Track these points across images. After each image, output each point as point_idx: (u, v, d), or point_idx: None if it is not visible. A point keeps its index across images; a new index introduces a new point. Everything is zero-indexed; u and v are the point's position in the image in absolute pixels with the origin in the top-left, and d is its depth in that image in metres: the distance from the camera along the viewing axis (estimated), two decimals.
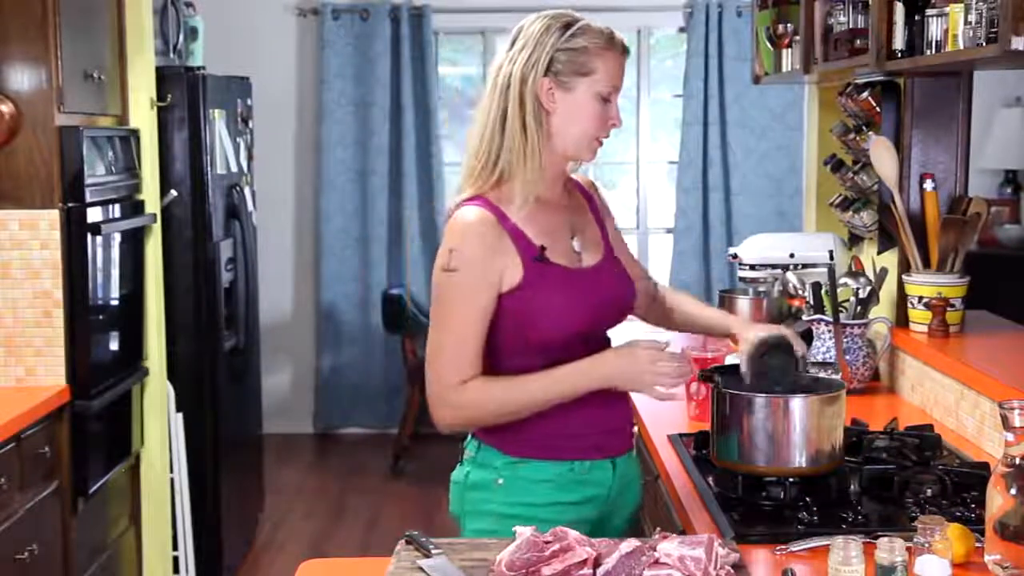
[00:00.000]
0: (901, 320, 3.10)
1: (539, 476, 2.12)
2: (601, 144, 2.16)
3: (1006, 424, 1.76)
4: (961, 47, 2.40)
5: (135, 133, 3.74)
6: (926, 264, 3.03)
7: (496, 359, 2.11)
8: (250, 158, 4.81)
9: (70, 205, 3.28)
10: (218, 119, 4.32)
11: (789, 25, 3.57)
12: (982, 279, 3.14)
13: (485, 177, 2.10)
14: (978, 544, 1.83)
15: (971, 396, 2.60)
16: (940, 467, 2.24)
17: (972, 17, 2.33)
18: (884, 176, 3.08)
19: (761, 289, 3.37)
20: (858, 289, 3.03)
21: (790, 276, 3.24)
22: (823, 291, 3.02)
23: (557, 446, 2.13)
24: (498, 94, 2.09)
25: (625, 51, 2.13)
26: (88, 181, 3.32)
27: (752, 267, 3.42)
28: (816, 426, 2.09)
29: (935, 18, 2.54)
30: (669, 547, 1.72)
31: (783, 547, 1.88)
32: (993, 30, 2.23)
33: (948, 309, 2.96)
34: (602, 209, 2.31)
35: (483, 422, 2.13)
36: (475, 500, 2.16)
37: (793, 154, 6.37)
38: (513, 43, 2.10)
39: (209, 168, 4.19)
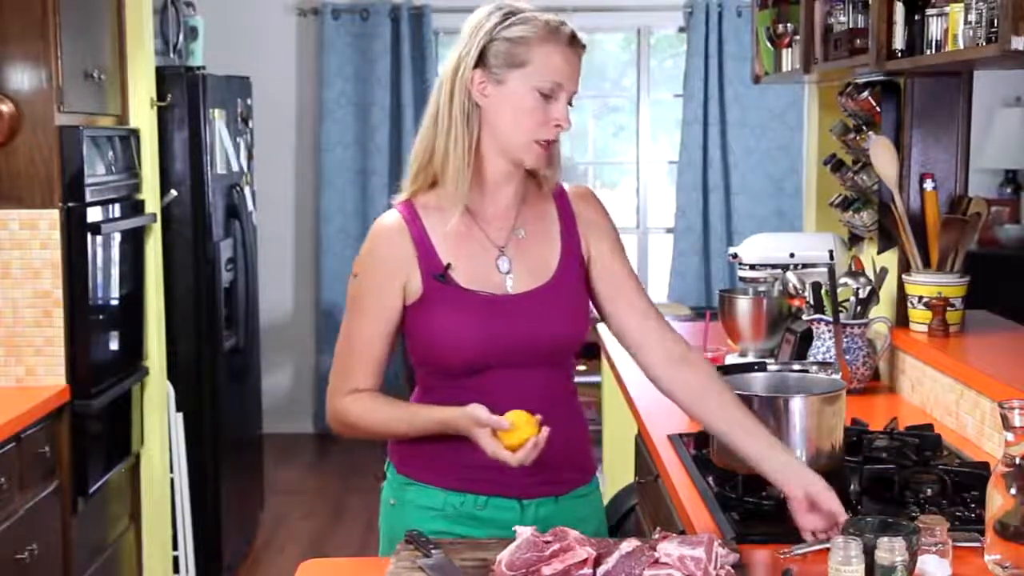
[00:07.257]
0: (901, 320, 3.10)
1: (425, 502, 1.98)
2: (547, 148, 1.89)
3: (1006, 424, 1.76)
4: (961, 47, 2.39)
5: (135, 133, 3.74)
6: (926, 264, 3.03)
7: (417, 369, 2.00)
8: (250, 158, 4.81)
9: (70, 205, 3.28)
10: (218, 119, 4.32)
11: (789, 25, 3.57)
12: (982, 279, 3.14)
13: (422, 180, 1.93)
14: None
15: (971, 396, 2.60)
16: (940, 467, 2.23)
17: (972, 17, 2.33)
18: (884, 176, 3.08)
19: (761, 289, 3.37)
20: (858, 289, 3.03)
21: (790, 276, 3.24)
22: (823, 291, 3.02)
23: (445, 472, 1.96)
24: (436, 89, 1.92)
25: (574, 44, 1.87)
26: (88, 181, 3.32)
27: (752, 267, 3.42)
28: (816, 426, 2.09)
29: (935, 18, 2.54)
30: (669, 547, 1.72)
31: (787, 550, 1.85)
32: (993, 30, 2.23)
33: (948, 309, 2.96)
34: (585, 227, 2.00)
35: (362, 436, 2.03)
36: (383, 519, 2.06)
37: (793, 154, 6.37)
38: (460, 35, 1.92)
39: (209, 168, 4.19)
